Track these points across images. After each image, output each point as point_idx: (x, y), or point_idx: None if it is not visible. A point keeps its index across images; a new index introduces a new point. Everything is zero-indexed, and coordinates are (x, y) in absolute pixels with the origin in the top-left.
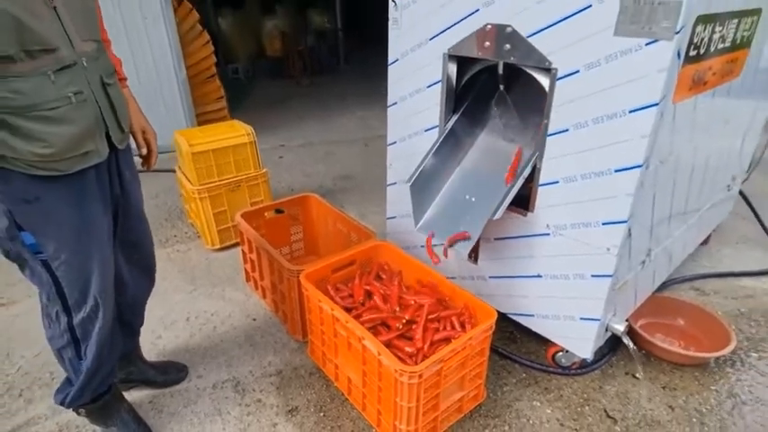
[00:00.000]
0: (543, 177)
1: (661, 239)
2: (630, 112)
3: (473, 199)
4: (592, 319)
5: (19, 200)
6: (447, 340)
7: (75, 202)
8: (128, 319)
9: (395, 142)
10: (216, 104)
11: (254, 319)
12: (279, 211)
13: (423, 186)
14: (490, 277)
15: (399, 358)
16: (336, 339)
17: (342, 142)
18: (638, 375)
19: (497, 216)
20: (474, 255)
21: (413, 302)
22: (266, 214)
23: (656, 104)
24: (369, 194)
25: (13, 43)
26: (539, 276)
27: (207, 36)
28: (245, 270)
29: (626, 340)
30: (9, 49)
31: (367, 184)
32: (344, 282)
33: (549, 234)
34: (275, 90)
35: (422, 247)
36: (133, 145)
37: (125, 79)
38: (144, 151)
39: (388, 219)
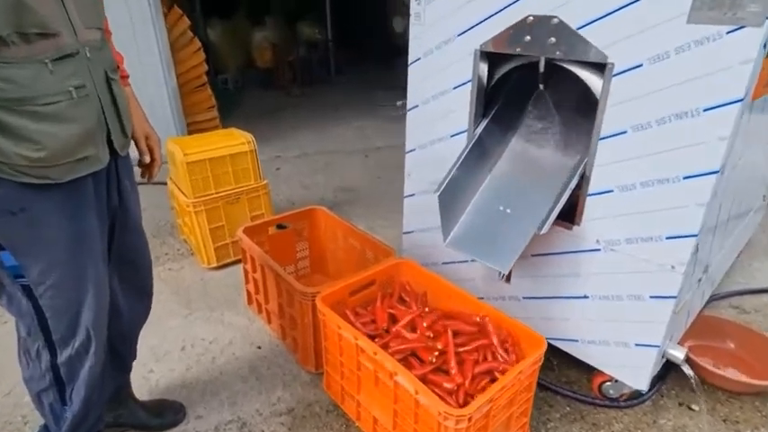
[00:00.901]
0: (593, 186)
1: (715, 253)
2: (706, 110)
3: (508, 210)
4: (650, 346)
5: (1, 211)
6: (489, 373)
7: (70, 215)
8: (119, 352)
9: (414, 149)
10: (207, 114)
11: (259, 348)
12: (281, 227)
13: (452, 197)
14: (524, 298)
15: (438, 396)
16: (360, 373)
17: (340, 153)
18: (695, 407)
19: (545, 230)
20: (506, 273)
21: (445, 329)
22: (269, 230)
23: (740, 101)
24: (375, 207)
25: (8, 24)
26: (585, 297)
27: (198, 43)
28: (248, 291)
29: (686, 369)
30: (1, 31)
31: (371, 197)
32: (363, 305)
33: (599, 250)
34: (266, 101)
35: (444, 264)
36: (133, 153)
37: (127, 77)
38: (147, 159)
39: (405, 233)
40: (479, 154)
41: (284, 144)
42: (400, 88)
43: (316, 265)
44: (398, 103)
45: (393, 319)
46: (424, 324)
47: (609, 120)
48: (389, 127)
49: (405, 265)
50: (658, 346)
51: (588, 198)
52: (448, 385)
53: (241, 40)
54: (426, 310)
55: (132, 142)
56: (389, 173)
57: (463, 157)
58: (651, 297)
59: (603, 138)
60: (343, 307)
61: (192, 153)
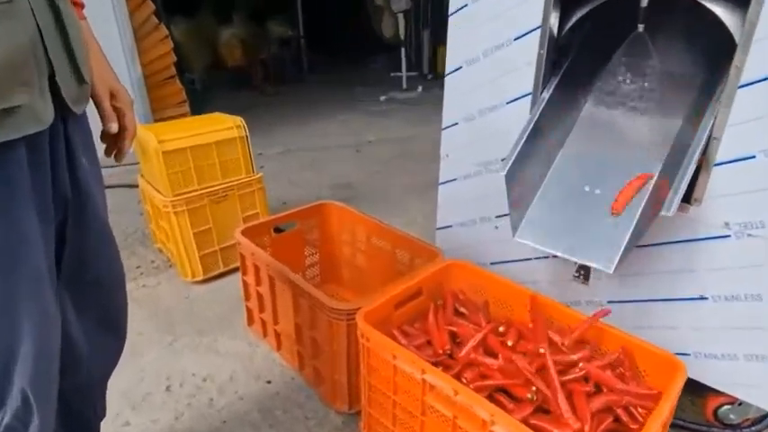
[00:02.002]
0: (725, 152)
1: None
2: None
3: (597, 191)
4: None
5: None
6: (609, 411)
7: None
8: (79, 413)
9: (456, 123)
10: (178, 109)
11: (269, 382)
12: (279, 230)
13: (521, 178)
14: (610, 302)
15: None
16: (425, 418)
17: (328, 148)
18: None
19: (672, 211)
20: (584, 271)
21: (536, 350)
22: (272, 232)
23: None
24: (379, 204)
25: None
26: (702, 299)
27: (164, 30)
28: (248, 309)
29: None
30: None
31: (374, 192)
32: (409, 322)
33: (728, 236)
34: (239, 100)
35: (493, 264)
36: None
37: (82, 6)
38: (114, 127)
39: (440, 229)
40: (550, 123)
41: (264, 141)
42: (380, 84)
43: (327, 272)
44: (382, 98)
45: (453, 339)
46: (509, 342)
47: (754, 60)
48: (377, 121)
49: (457, 268)
50: None
51: (715, 169)
52: None
53: (207, 39)
54: (501, 329)
55: (92, 103)
56: (388, 167)
57: (531, 126)
58: None
59: (745, 85)
60: (389, 326)
61: (169, 140)
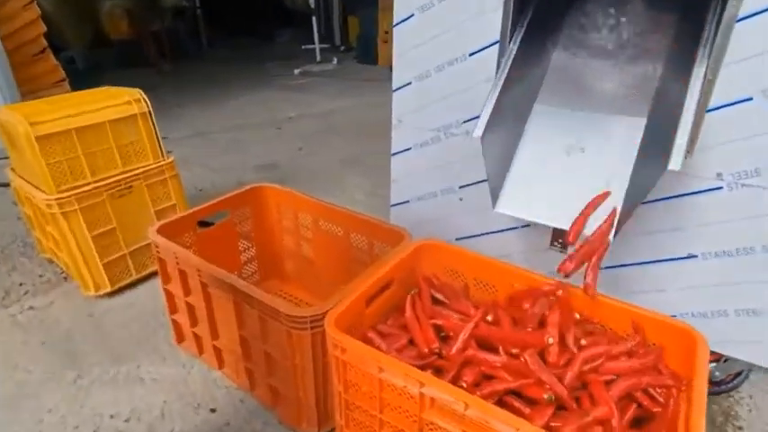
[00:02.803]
0: (718, 96)
1: None
2: None
3: (580, 149)
4: None
5: None
6: (630, 397)
7: None
8: None
9: (408, 84)
10: (54, 90)
11: (213, 411)
12: (204, 224)
13: (495, 140)
14: None
15: None
16: None
17: (245, 127)
18: None
19: (678, 165)
20: (562, 240)
21: (536, 338)
22: (197, 227)
23: None
24: (312, 184)
25: None
26: (692, 257)
27: None
28: (175, 324)
29: None
30: None
31: (303, 172)
32: (382, 318)
33: (720, 188)
34: (133, 80)
35: (459, 240)
36: None
37: None
38: None
39: (396, 206)
40: (519, 75)
41: (169, 124)
42: (293, 58)
43: (267, 268)
44: (296, 71)
45: (437, 333)
46: (501, 336)
47: None
48: (295, 96)
49: (429, 250)
50: None
51: (708, 116)
52: None
53: (84, 9)
54: (490, 318)
55: None
56: (313, 143)
57: (503, 79)
58: None
59: (744, 18)
60: (361, 328)
61: (44, 122)
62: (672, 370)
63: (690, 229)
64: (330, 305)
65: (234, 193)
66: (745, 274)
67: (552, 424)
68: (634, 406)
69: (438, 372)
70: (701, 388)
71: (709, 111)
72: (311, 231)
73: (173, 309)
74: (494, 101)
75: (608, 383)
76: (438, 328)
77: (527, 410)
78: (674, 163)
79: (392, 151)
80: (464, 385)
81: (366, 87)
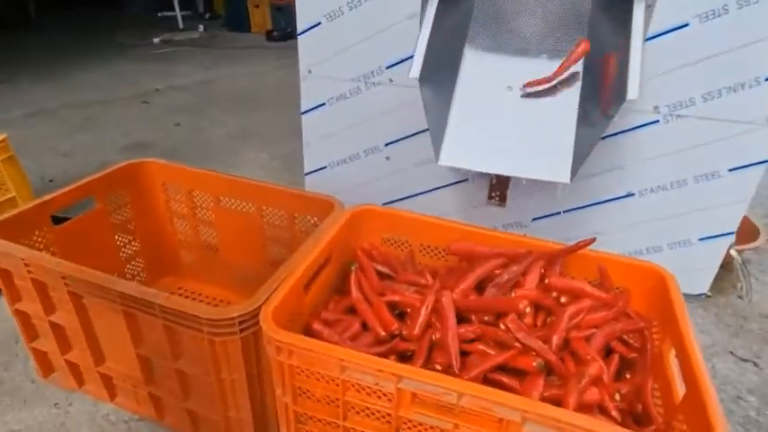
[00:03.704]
0: (656, 24)
1: None
2: None
3: (522, 88)
4: (721, 236)
5: None
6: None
7: None
8: None
9: (317, 24)
10: None
11: None
12: (60, 220)
13: (430, 84)
14: (534, 220)
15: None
16: None
17: (103, 103)
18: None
19: (636, 94)
20: (499, 192)
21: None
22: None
23: None
24: (197, 163)
25: None
26: (629, 196)
27: None
28: (37, 354)
29: (736, 255)
30: None
31: (183, 150)
32: (322, 303)
33: (656, 122)
34: None
35: (387, 204)
36: None
37: None
38: None
39: (311, 174)
40: (446, 10)
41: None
42: (149, 27)
43: (157, 264)
44: (156, 40)
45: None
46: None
47: None
48: (159, 68)
49: (365, 218)
50: (731, 233)
51: (649, 44)
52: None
53: None
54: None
55: None
56: (191, 117)
57: (434, 11)
58: (731, 170)
59: None
60: (302, 319)
61: None
62: (639, 312)
63: (628, 168)
64: (262, 298)
65: (100, 174)
66: (678, 207)
67: (547, 393)
68: (616, 357)
69: (403, 357)
70: (687, 328)
71: (649, 39)
72: (212, 212)
73: (30, 335)
74: (427, 35)
75: (587, 338)
76: (392, 306)
77: (517, 384)
78: (632, 92)
79: (302, 109)
80: (438, 368)
81: (242, 56)
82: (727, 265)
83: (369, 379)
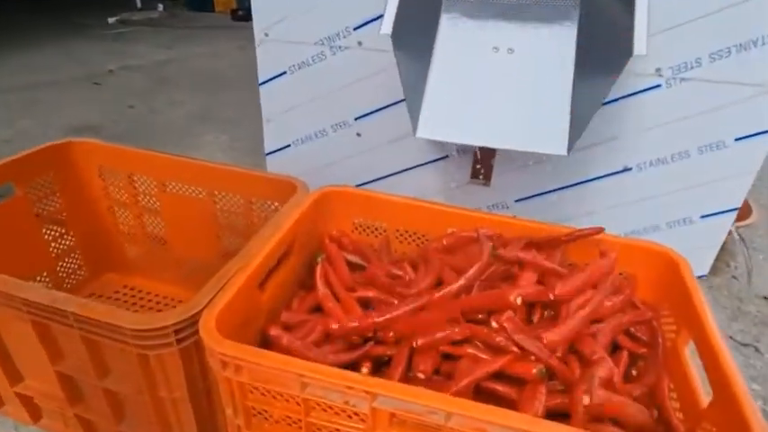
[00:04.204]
0: None
1: None
2: None
3: (510, 49)
4: (725, 212)
5: None
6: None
7: None
8: None
9: None
10: None
11: None
12: None
13: (405, 44)
14: (518, 201)
15: None
16: None
17: (48, 85)
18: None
19: (643, 49)
20: (484, 171)
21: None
22: None
23: None
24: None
25: None
26: (625, 171)
27: None
28: None
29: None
30: None
31: (136, 134)
32: (282, 302)
33: (658, 86)
34: None
35: (360, 186)
36: None
37: None
38: None
39: (272, 154)
40: None
41: None
42: (103, 6)
43: (96, 259)
44: (111, 20)
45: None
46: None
47: None
48: (114, 47)
49: (333, 200)
50: (735, 209)
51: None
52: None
53: None
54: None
55: None
56: (146, 99)
57: None
58: (738, 139)
59: None
60: (257, 323)
61: None
62: (645, 301)
63: (625, 139)
64: (203, 302)
65: (20, 155)
66: (679, 182)
67: (550, 403)
68: (625, 354)
69: (379, 363)
70: (709, 320)
71: None
72: (156, 199)
73: None
74: None
75: (593, 334)
76: (364, 303)
77: (513, 393)
78: (639, 47)
79: (260, 79)
80: (422, 376)
81: (204, 36)
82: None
83: (336, 397)
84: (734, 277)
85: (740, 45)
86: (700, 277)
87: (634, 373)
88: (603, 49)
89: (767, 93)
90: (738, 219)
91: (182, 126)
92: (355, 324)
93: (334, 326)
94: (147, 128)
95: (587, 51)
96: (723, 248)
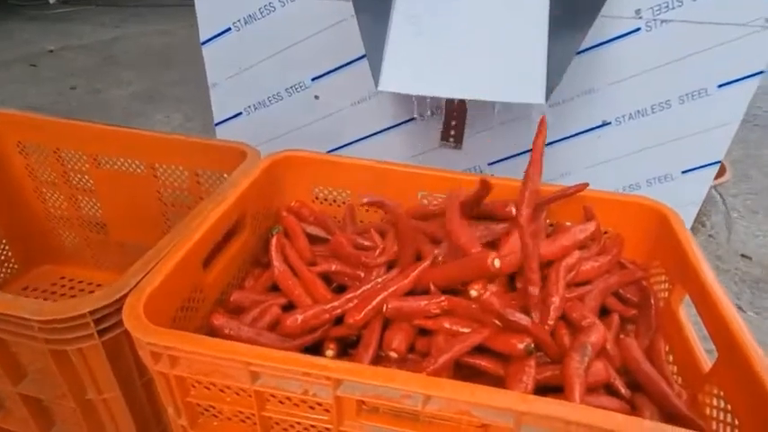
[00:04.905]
0: None
1: None
2: None
3: None
4: (707, 166)
5: None
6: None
7: None
8: None
9: None
10: None
11: None
12: None
13: None
14: (491, 164)
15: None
16: None
17: None
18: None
19: None
20: (454, 132)
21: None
22: None
23: None
24: None
25: None
26: (604, 125)
27: None
28: None
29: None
30: None
31: (84, 116)
32: (234, 284)
33: (638, 30)
34: None
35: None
36: None
37: None
38: None
39: (222, 124)
40: None
41: None
42: None
43: (28, 249)
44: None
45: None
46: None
47: None
48: (56, 27)
49: (289, 167)
50: (718, 162)
51: None
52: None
53: None
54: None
55: None
56: (90, 80)
57: None
58: (721, 86)
59: None
60: (203, 307)
61: None
62: (633, 261)
63: (603, 89)
64: (131, 282)
65: None
66: (660, 135)
67: (539, 377)
68: (616, 317)
69: (345, 343)
70: (707, 274)
71: None
72: (90, 177)
73: None
74: None
75: (581, 297)
76: (327, 279)
77: (500, 368)
78: None
79: (201, 38)
80: (394, 356)
81: (153, 14)
82: None
83: (293, 386)
84: (711, 236)
85: None
86: None
87: (622, 337)
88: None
89: (754, 33)
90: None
91: (128, 105)
92: (314, 318)
93: (290, 321)
94: (90, 109)
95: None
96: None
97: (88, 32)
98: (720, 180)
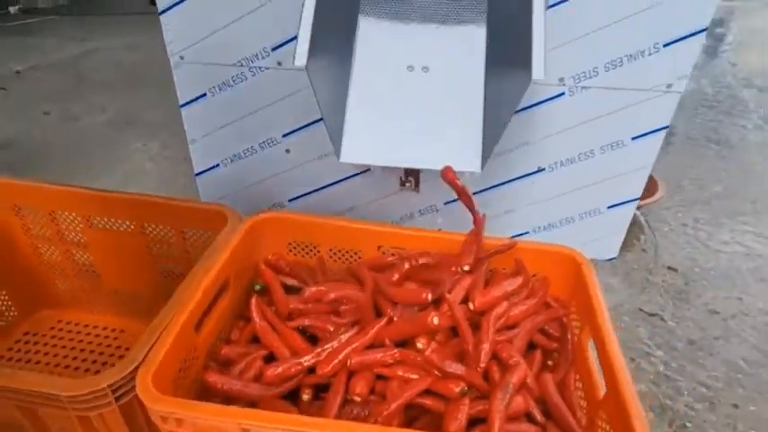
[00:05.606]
0: None
1: None
2: None
3: (425, 67)
4: (627, 202)
5: None
6: (537, 348)
7: None
8: None
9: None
10: None
11: None
12: None
13: (322, 68)
14: (447, 203)
15: None
16: None
17: None
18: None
19: (543, 73)
20: (412, 178)
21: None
22: None
23: None
24: (77, 159)
25: None
26: (539, 171)
27: None
28: None
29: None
30: None
31: (51, 149)
32: (221, 334)
33: (562, 94)
34: None
35: (291, 201)
36: None
37: None
38: None
39: (202, 174)
40: None
41: None
42: None
43: (27, 296)
44: (14, 9)
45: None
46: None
47: None
48: (19, 42)
49: (267, 227)
50: (636, 199)
51: (552, 11)
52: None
53: None
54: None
55: None
56: (63, 104)
57: None
58: (634, 138)
59: None
60: (196, 367)
61: None
62: (557, 298)
63: (537, 142)
64: (139, 356)
65: None
66: (587, 178)
67: (473, 411)
68: (539, 352)
69: (318, 388)
70: (605, 322)
71: (553, 5)
72: (84, 235)
73: None
74: (312, 11)
75: (509, 339)
76: (302, 330)
77: (442, 406)
78: (537, 72)
79: (180, 101)
80: (357, 399)
81: (122, 24)
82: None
83: None
84: (643, 250)
85: (631, 55)
86: (611, 259)
87: (550, 363)
88: (510, 67)
89: (658, 96)
90: (647, 195)
91: (105, 134)
92: (290, 369)
93: (271, 372)
94: (64, 137)
95: (495, 66)
96: (634, 224)
97: (54, 47)
98: (653, 198)
